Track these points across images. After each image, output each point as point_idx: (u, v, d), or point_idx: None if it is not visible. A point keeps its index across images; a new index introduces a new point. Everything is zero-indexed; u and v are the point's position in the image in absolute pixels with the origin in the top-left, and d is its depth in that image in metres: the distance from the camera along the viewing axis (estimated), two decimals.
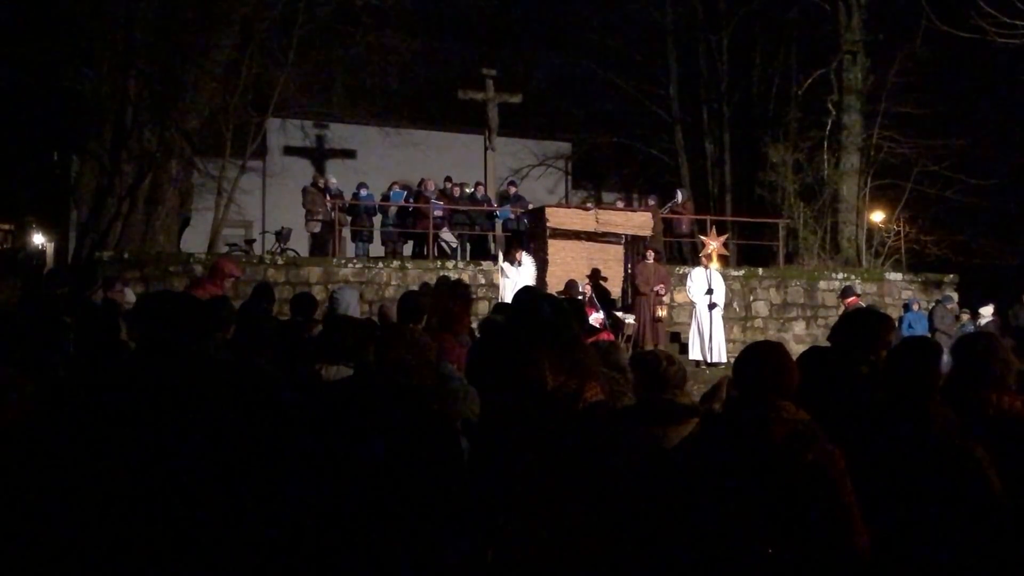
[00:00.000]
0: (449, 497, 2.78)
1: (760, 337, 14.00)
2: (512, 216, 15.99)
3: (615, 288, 13.49)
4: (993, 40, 12.21)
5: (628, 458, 2.76)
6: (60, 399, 2.92)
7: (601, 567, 2.67)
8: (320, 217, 15.01)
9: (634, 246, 13.63)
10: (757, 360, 2.71)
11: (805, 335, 15.12)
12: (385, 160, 19.81)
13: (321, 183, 15.76)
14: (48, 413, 2.85)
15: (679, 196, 17.17)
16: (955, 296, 15.00)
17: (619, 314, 12.39)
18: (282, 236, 15.68)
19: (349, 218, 15.97)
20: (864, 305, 11.84)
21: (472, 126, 19.11)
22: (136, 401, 2.82)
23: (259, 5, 15.32)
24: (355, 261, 14.21)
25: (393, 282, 13.63)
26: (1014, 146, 20.13)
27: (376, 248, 16.40)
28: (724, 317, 12.89)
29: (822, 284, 15.79)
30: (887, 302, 15.74)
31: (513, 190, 17.13)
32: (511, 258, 12.30)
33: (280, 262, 13.64)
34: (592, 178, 25.29)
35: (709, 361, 12.23)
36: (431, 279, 11.24)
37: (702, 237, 13.67)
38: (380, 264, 14.10)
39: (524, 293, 4.26)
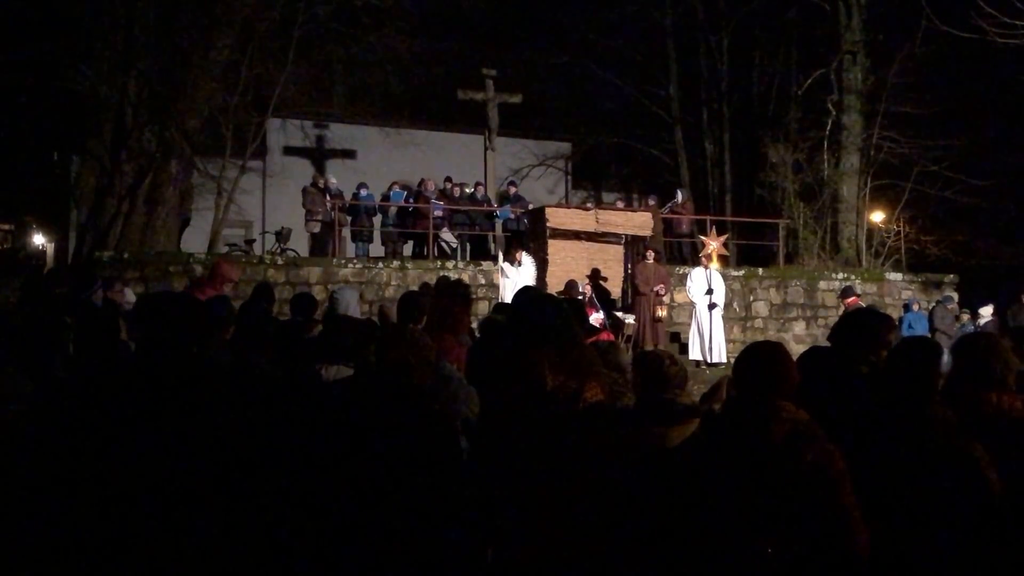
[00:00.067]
0: (449, 497, 2.78)
1: (760, 337, 14.01)
2: (512, 216, 15.99)
3: (615, 288, 13.49)
4: (993, 40, 12.20)
5: (628, 458, 2.76)
6: (60, 399, 2.92)
7: (601, 567, 2.67)
8: (320, 217, 15.01)
9: (634, 246, 13.63)
10: (757, 360, 2.71)
11: (805, 335, 15.12)
12: (385, 160, 19.79)
13: (321, 183, 15.77)
14: (48, 413, 2.85)
15: (679, 196, 17.18)
16: (955, 296, 15.00)
17: (619, 314, 12.39)
18: (282, 236, 15.68)
19: (349, 218, 15.96)
20: (864, 305, 11.83)
21: (472, 126, 19.11)
22: (136, 401, 2.82)
23: (259, 5, 15.31)
24: (355, 261, 14.21)
25: (393, 282, 13.63)
26: (1014, 146, 20.13)
27: (376, 248, 16.40)
28: (724, 317, 12.90)
29: (822, 284, 15.80)
30: (887, 302, 15.74)
31: (513, 190, 17.14)
32: (511, 258, 12.30)
33: (280, 262, 13.64)
34: (592, 178, 25.29)
35: (709, 361, 12.23)
36: (431, 279, 11.24)
37: (702, 237, 13.67)
38: (380, 264, 14.10)
39: (524, 293, 4.26)
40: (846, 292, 11.86)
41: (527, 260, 12.37)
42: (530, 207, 15.65)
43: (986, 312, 14.02)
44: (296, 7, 15.86)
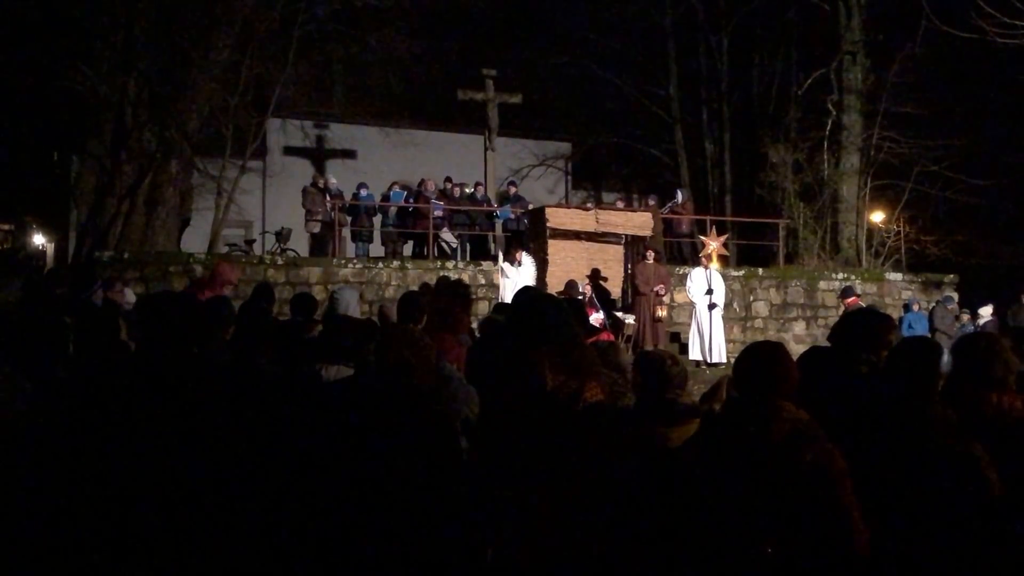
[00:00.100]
0: (449, 497, 2.78)
1: (760, 337, 14.01)
2: (512, 216, 15.99)
3: (615, 288, 13.49)
4: (993, 40, 12.20)
5: (629, 458, 2.76)
6: (60, 399, 2.91)
7: (601, 567, 2.67)
8: (320, 217, 15.01)
9: (634, 246, 13.63)
10: (757, 360, 2.71)
11: (805, 335, 15.12)
12: (385, 160, 19.79)
13: (321, 183, 15.76)
14: (48, 413, 2.85)
15: (679, 196, 17.18)
16: (955, 296, 15.01)
17: (619, 314, 12.39)
18: (282, 236, 15.68)
19: (349, 218, 15.96)
20: (864, 305, 11.84)
21: (472, 126, 19.10)
22: (136, 401, 2.82)
23: (259, 5, 15.31)
24: (355, 261, 14.21)
25: (393, 282, 13.63)
26: (1014, 146, 20.13)
27: (376, 248, 16.39)
28: (724, 317, 12.90)
29: (822, 284, 15.80)
30: (887, 302, 15.74)
31: (513, 190, 17.13)
32: (511, 258, 12.30)
33: (280, 262, 13.64)
34: (592, 178, 25.29)
35: (709, 361, 12.23)
36: (431, 279, 11.24)
37: (702, 237, 13.67)
38: (380, 264, 14.10)
39: (524, 293, 4.26)
40: (846, 292, 11.87)
41: (527, 260, 12.37)
42: (530, 207, 15.65)
43: (986, 312, 14.03)
44: (296, 7, 15.87)
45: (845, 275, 16.13)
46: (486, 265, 14.25)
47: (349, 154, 20.75)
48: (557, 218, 13.28)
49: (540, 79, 23.84)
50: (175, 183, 14.93)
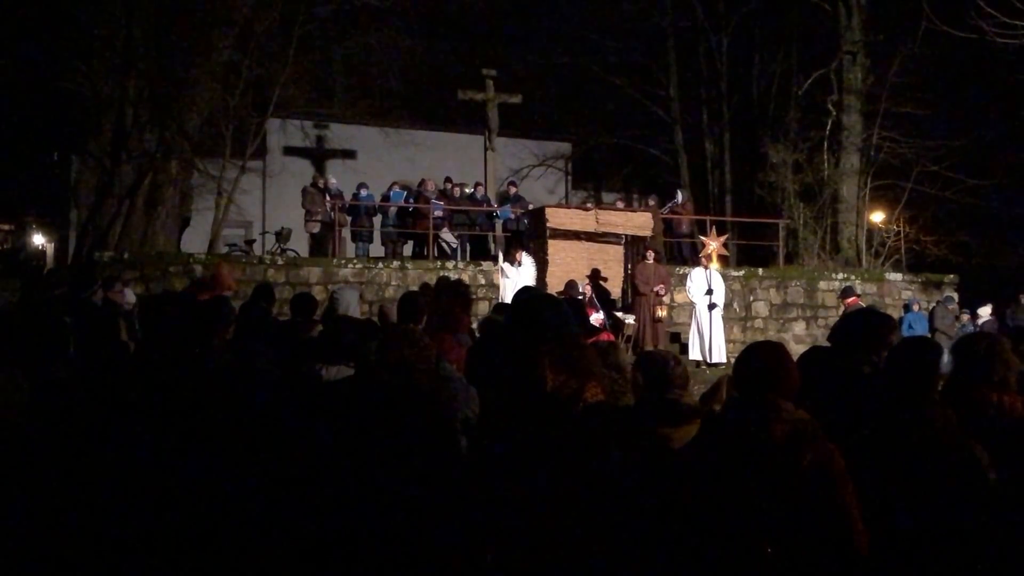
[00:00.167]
0: (449, 497, 2.78)
1: (760, 337, 14.01)
2: (512, 216, 15.99)
3: (615, 288, 13.49)
4: (993, 40, 12.20)
5: (630, 458, 2.75)
6: (60, 399, 2.92)
7: (602, 567, 2.67)
8: (320, 217, 15.01)
9: (634, 246, 13.63)
10: (757, 360, 2.71)
11: (805, 335, 15.12)
12: (385, 160, 19.79)
13: (321, 183, 15.77)
14: (48, 413, 2.85)
15: (679, 196, 17.18)
16: (956, 296, 15.01)
17: (619, 314, 12.39)
18: (282, 236, 15.68)
19: (349, 218, 15.96)
20: (864, 305, 11.84)
21: (472, 126, 19.10)
22: (136, 402, 2.82)
23: (259, 5, 15.32)
24: (355, 261, 14.21)
25: (393, 282, 13.63)
26: (1014, 146, 20.12)
27: (376, 248, 16.39)
28: (724, 317, 12.90)
29: (822, 284, 15.79)
30: (887, 302, 15.73)
31: (513, 190, 17.13)
32: (511, 258, 12.30)
33: (280, 262, 13.64)
34: (592, 178, 25.29)
35: (709, 361, 12.23)
36: (431, 279, 11.24)
37: (702, 237, 13.67)
38: (380, 264, 14.10)
39: (524, 293, 4.26)
40: (846, 292, 11.87)
41: (527, 260, 12.37)
42: (530, 207, 15.65)
43: (985, 312, 14.05)
44: (296, 7, 15.87)
45: (845, 275, 16.13)
46: (486, 265, 14.25)
47: (349, 154, 20.75)
48: (557, 218, 13.28)
49: (540, 79, 23.84)
50: (175, 183, 14.95)
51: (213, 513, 2.75)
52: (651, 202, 16.85)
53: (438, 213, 15.47)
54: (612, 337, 9.20)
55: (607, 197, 23.36)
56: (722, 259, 13.45)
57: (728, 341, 12.71)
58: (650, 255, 12.67)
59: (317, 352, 3.84)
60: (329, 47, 17.62)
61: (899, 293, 16.19)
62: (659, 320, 12.44)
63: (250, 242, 17.12)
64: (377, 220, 16.37)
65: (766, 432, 2.52)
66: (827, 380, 3.23)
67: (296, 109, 17.69)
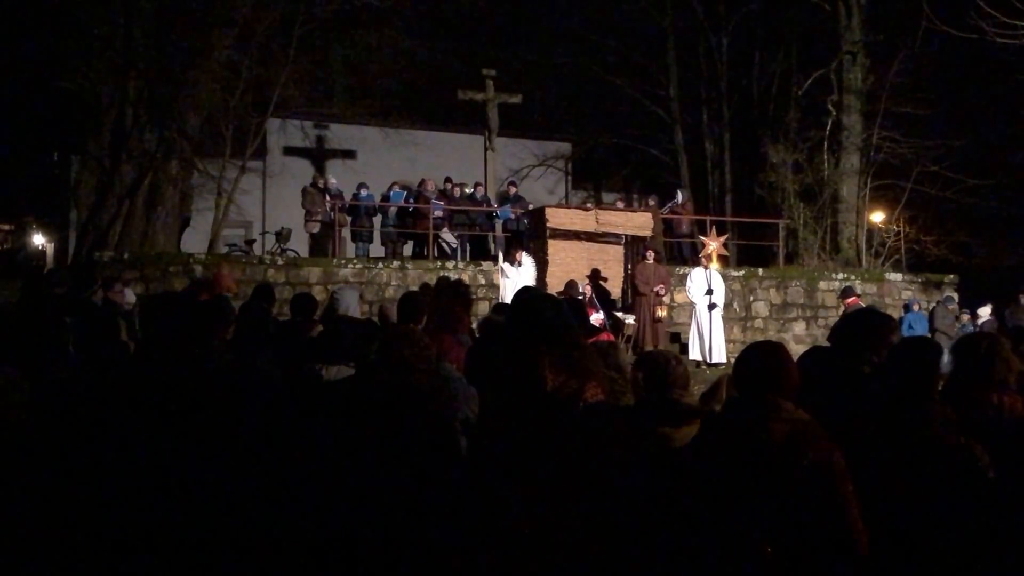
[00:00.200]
0: (448, 497, 2.78)
1: (760, 337, 14.00)
2: (512, 216, 15.99)
3: (615, 288, 13.49)
4: (993, 40, 12.20)
5: (631, 458, 2.75)
6: (60, 399, 2.92)
7: (601, 567, 2.67)
8: (320, 217, 15.01)
9: (634, 246, 13.63)
10: (757, 360, 2.71)
11: (805, 335, 15.12)
12: (385, 160, 19.79)
13: (321, 183, 15.76)
14: (48, 413, 2.85)
15: (679, 196, 17.18)
16: (956, 296, 15.00)
17: (619, 314, 12.39)
18: (282, 236, 15.68)
19: (349, 218, 15.96)
20: (864, 305, 11.83)
21: (472, 126, 19.10)
22: (137, 402, 2.82)
23: (259, 5, 15.31)
24: (355, 261, 14.22)
25: (393, 282, 13.63)
26: (1014, 146, 20.13)
27: (376, 248, 16.39)
28: (724, 317, 12.89)
29: (822, 284, 15.79)
30: (887, 302, 15.73)
31: (513, 190, 17.13)
32: (511, 258, 12.30)
33: (280, 262, 13.64)
34: (592, 178, 25.29)
35: (709, 361, 12.23)
36: (431, 279, 11.24)
37: (702, 237, 13.67)
38: (380, 264, 14.10)
39: (524, 293, 4.26)
40: (846, 292, 11.87)
41: (527, 260, 12.37)
42: (530, 207, 15.65)
43: (984, 312, 14.05)
44: (296, 7, 15.87)
45: (845, 275, 16.12)
46: (486, 265, 14.25)
47: (349, 154, 20.75)
48: (557, 218, 13.28)
49: (540, 79, 23.83)
50: (175, 183, 14.94)
51: (213, 513, 2.75)
52: (651, 202, 16.85)
53: (438, 213, 15.47)
54: (612, 337, 9.19)
55: (607, 197, 23.36)
56: (722, 259, 13.45)
57: (728, 341, 12.70)
58: (650, 255, 12.67)
59: (317, 352, 3.85)
60: (329, 47, 17.60)
61: (899, 293, 16.19)
62: (659, 320, 12.43)
63: (250, 242, 17.12)
64: (377, 220, 16.36)
65: (766, 432, 2.52)
66: (827, 380, 3.23)
67: (296, 109, 17.69)
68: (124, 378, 2.95)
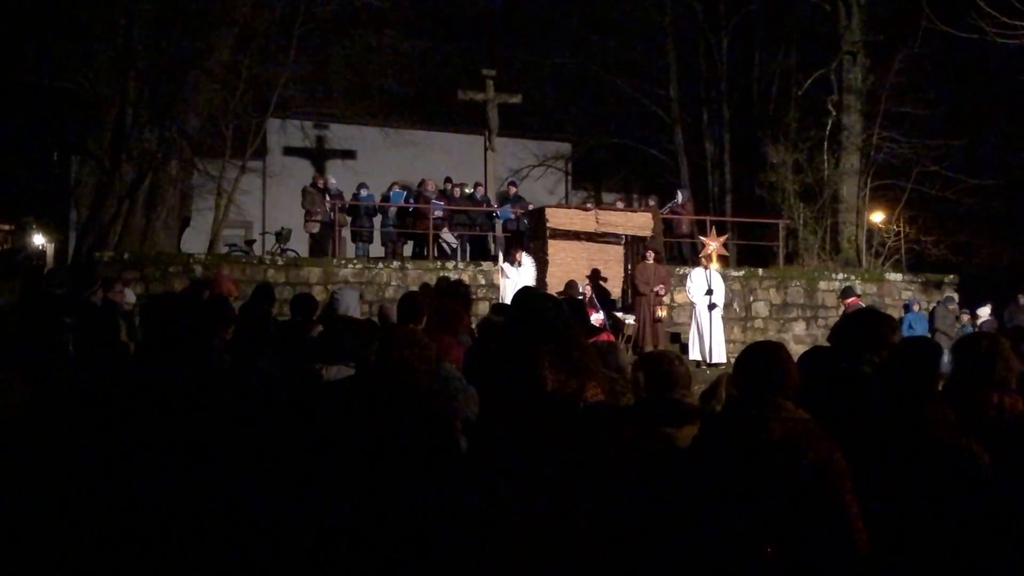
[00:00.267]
0: (448, 497, 2.78)
1: (760, 337, 14.00)
2: (512, 216, 15.99)
3: (615, 288, 13.48)
4: (993, 40, 12.20)
5: (632, 458, 2.75)
6: (60, 399, 2.92)
7: (601, 567, 2.67)
8: (319, 217, 15.01)
9: (634, 246, 13.63)
10: (757, 360, 2.71)
11: (805, 335, 15.12)
12: (385, 160, 19.79)
13: (321, 183, 15.76)
14: (48, 413, 2.85)
15: (679, 196, 17.16)
16: (956, 296, 15.01)
17: (619, 314, 12.39)
18: (282, 236, 15.68)
19: (349, 218, 15.96)
20: (864, 305, 11.83)
21: (472, 126, 19.10)
22: (136, 402, 2.82)
23: (259, 5, 15.32)
24: (355, 261, 14.22)
25: (393, 282, 13.63)
26: (1014, 146, 20.13)
27: (376, 248, 16.39)
28: (724, 317, 12.89)
29: (822, 284, 15.79)
30: (887, 303, 15.73)
31: (513, 190, 17.13)
32: (511, 258, 12.30)
33: (280, 262, 13.65)
34: (592, 178, 25.29)
35: (709, 361, 12.22)
36: (431, 279, 11.25)
37: (702, 237, 13.67)
38: (380, 264, 14.10)
39: (524, 293, 4.26)
40: (846, 292, 11.87)
41: (527, 260, 12.37)
42: (530, 207, 15.65)
43: (984, 312, 14.05)
44: (296, 7, 15.87)
45: (845, 275, 16.12)
46: (486, 265, 14.25)
47: (349, 154, 20.75)
48: (557, 218, 13.28)
49: (540, 79, 23.84)
50: (175, 183, 14.94)
51: (213, 513, 2.75)
52: (651, 202, 16.84)
53: (438, 213, 15.47)
54: (612, 337, 9.19)
55: (607, 197, 23.36)
56: (722, 259, 13.44)
57: (728, 341, 12.70)
58: (650, 255, 12.67)
59: (317, 352, 3.85)
60: (329, 47, 17.60)
61: (899, 293, 16.19)
62: (659, 320, 12.43)
63: (250, 242, 17.13)
64: (377, 220, 16.36)
65: (766, 431, 2.52)
66: (827, 380, 3.23)
67: (296, 109, 17.69)
68: (124, 378, 2.95)
